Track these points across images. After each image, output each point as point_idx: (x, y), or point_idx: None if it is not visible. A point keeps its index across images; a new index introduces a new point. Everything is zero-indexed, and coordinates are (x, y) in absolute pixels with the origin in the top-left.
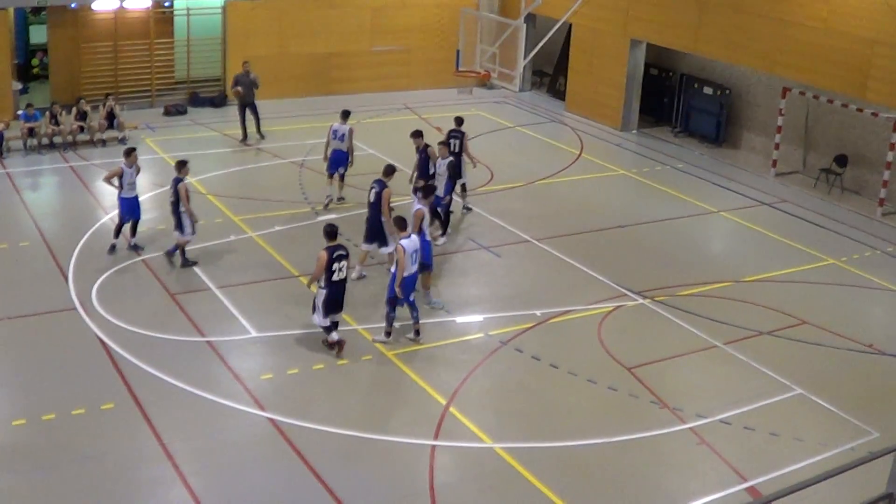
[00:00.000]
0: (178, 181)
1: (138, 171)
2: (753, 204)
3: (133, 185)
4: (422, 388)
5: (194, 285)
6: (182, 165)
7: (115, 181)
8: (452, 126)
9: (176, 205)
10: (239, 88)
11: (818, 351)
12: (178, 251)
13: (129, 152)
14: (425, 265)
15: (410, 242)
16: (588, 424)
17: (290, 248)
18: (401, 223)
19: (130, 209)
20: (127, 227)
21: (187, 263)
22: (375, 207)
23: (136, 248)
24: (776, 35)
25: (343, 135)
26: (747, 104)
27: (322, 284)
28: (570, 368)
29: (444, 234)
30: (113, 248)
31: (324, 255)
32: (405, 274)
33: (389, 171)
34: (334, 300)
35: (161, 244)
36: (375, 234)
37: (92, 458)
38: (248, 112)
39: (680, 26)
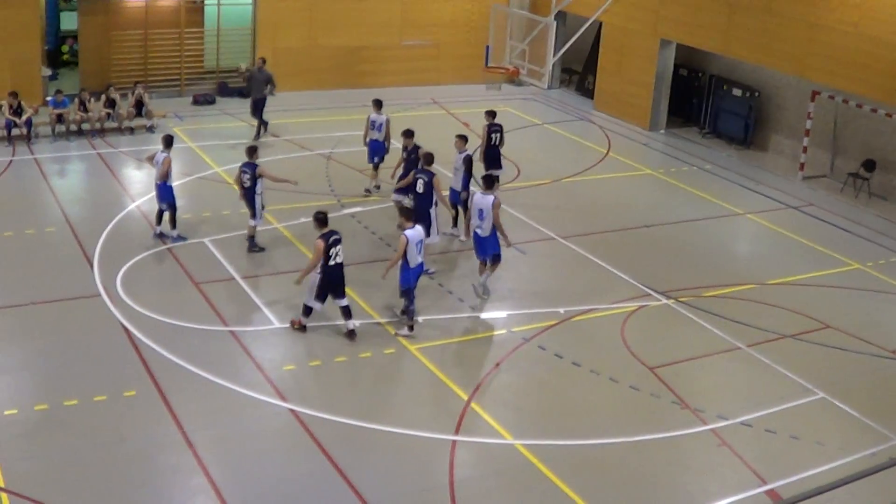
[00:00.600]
0: (254, 167)
1: None
2: (780, 207)
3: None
4: (444, 382)
5: (218, 275)
6: (254, 151)
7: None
8: (485, 121)
9: (252, 190)
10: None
11: (841, 356)
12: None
13: (171, 140)
14: (494, 256)
15: (415, 233)
16: (609, 423)
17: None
18: (407, 213)
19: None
20: (155, 217)
21: (255, 249)
22: (424, 198)
23: (176, 238)
24: (806, 38)
25: (381, 125)
26: (776, 107)
27: (318, 269)
28: (592, 367)
29: (456, 224)
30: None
31: (320, 243)
32: (412, 266)
33: (431, 159)
34: (329, 283)
35: (187, 233)
36: (423, 224)
37: (113, 444)
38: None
39: (710, 27)
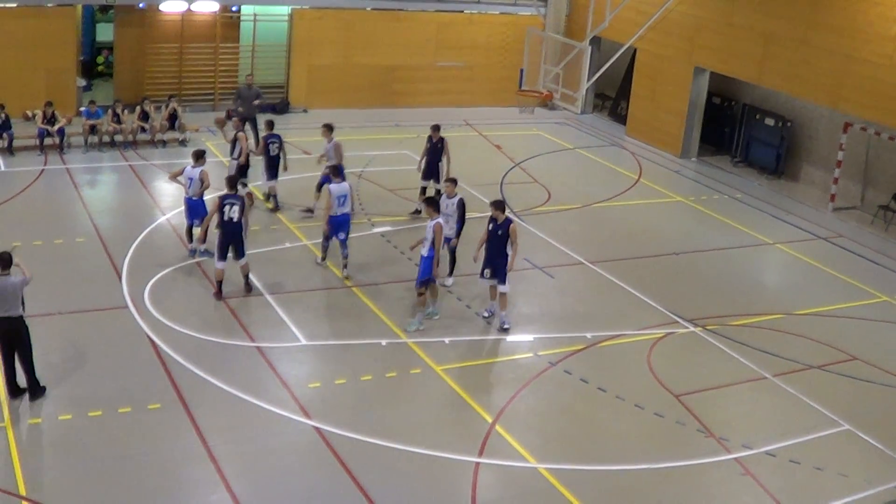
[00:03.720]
0: (281, 137)
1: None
2: (810, 237)
3: None
4: (468, 404)
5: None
6: (273, 123)
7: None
8: (430, 133)
9: (278, 157)
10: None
11: (868, 387)
12: None
13: (202, 154)
14: (425, 281)
15: (339, 188)
16: (633, 449)
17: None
18: (335, 170)
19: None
20: (186, 234)
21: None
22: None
23: (204, 252)
24: (841, 70)
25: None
26: (808, 137)
27: (216, 226)
28: (617, 392)
29: (451, 274)
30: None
31: (216, 200)
32: (331, 213)
33: (499, 205)
34: (224, 239)
35: (215, 248)
36: (495, 268)
37: (136, 456)
38: (247, 127)
39: (745, 57)
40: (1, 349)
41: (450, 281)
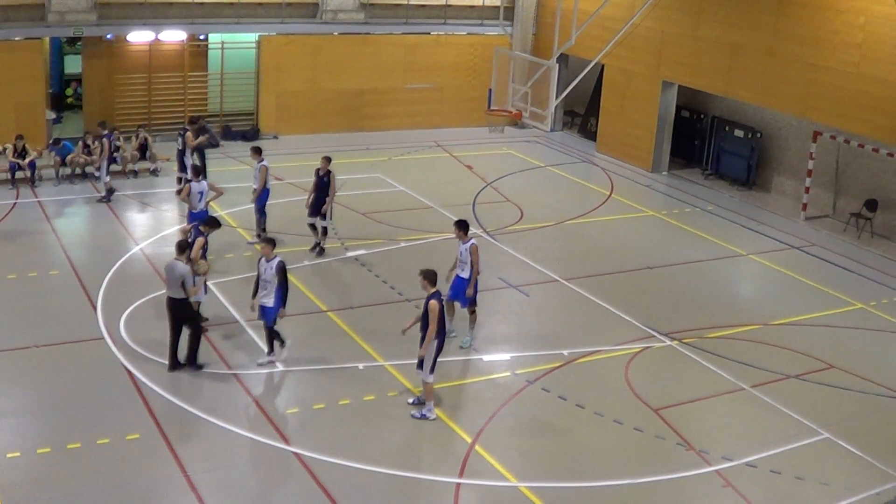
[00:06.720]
0: (187, 132)
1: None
2: (783, 247)
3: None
4: (447, 425)
5: (222, 318)
6: (197, 120)
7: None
8: (325, 167)
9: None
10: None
11: (846, 395)
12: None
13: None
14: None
15: (198, 185)
16: (613, 465)
17: (318, 283)
18: (196, 170)
19: None
20: None
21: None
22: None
23: None
24: (808, 79)
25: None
26: (778, 147)
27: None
28: (596, 409)
29: (270, 351)
30: None
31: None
32: (193, 211)
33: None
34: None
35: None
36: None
37: (116, 487)
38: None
39: (712, 69)
40: (170, 324)
41: (265, 359)
